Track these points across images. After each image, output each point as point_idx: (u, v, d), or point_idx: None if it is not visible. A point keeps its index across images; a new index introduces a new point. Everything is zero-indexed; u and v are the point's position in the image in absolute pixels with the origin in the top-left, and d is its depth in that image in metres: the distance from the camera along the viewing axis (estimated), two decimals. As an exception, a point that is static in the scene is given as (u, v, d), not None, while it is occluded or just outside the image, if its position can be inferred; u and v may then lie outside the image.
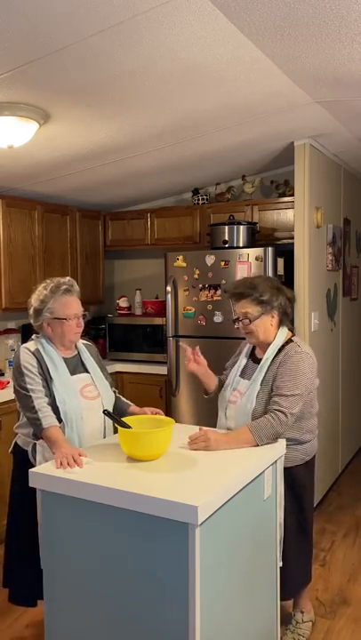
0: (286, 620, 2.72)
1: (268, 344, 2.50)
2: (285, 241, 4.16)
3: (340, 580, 3.22)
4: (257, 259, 3.86)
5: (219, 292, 3.99)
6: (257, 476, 2.14)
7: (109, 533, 1.90)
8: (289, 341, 2.50)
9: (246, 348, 2.66)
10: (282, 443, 2.36)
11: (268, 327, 2.49)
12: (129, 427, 2.19)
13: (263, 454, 2.21)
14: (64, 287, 2.44)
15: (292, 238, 3.93)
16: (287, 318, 2.55)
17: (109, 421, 2.46)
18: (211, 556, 1.83)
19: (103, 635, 1.96)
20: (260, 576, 2.25)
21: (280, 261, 3.93)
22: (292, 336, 2.54)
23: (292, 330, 2.59)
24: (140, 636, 1.88)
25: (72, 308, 2.44)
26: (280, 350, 2.47)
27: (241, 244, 4.08)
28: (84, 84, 2.45)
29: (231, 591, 2.01)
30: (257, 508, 2.19)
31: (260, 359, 2.51)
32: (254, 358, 2.58)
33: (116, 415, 2.37)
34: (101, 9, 1.86)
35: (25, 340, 4.17)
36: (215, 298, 4.00)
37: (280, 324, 2.53)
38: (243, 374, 2.57)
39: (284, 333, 2.52)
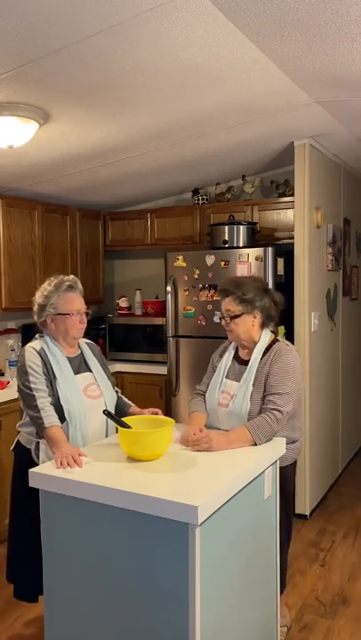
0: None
1: (252, 344, 2.49)
2: (285, 241, 4.16)
3: (340, 580, 3.22)
4: (257, 259, 3.86)
5: (219, 292, 3.99)
6: (257, 476, 2.14)
7: (109, 533, 1.91)
8: (275, 341, 2.51)
9: (232, 347, 2.63)
10: (282, 442, 2.36)
11: (249, 327, 2.48)
12: (129, 427, 2.19)
13: (263, 454, 2.21)
14: (67, 284, 2.48)
15: (292, 238, 3.93)
16: (271, 321, 2.53)
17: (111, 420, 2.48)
18: (211, 555, 1.83)
19: (103, 634, 1.96)
20: (260, 576, 2.25)
21: (280, 261, 3.93)
22: (276, 337, 2.54)
23: (275, 332, 2.58)
24: (140, 635, 1.88)
25: (75, 303, 2.46)
26: (267, 350, 2.47)
27: (241, 244, 4.08)
28: (84, 83, 2.45)
29: (231, 591, 2.01)
30: (257, 508, 2.19)
31: (245, 360, 2.51)
32: (239, 359, 2.56)
33: (117, 415, 2.37)
34: (101, 9, 1.86)
35: (25, 340, 4.18)
36: (215, 298, 4.00)
37: (263, 325, 2.52)
38: (228, 375, 2.55)
39: (267, 335, 2.52)
